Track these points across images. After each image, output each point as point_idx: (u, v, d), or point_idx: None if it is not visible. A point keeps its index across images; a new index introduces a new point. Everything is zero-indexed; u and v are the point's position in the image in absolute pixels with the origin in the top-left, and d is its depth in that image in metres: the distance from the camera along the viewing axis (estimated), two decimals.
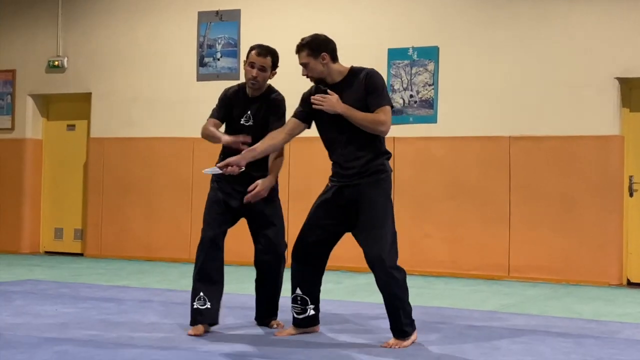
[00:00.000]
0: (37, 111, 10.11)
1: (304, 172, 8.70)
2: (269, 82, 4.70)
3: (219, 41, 9.08)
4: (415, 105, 8.25)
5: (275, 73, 4.70)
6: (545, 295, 6.71)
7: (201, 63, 9.12)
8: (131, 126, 9.34)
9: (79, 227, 9.88)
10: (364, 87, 4.16)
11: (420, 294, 6.60)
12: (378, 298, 6.23)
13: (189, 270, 7.97)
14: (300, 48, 4.30)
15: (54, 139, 10.11)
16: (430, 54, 8.22)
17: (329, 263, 8.75)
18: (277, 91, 4.77)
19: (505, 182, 7.95)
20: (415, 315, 5.24)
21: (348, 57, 8.52)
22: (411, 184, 8.28)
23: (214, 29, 9.10)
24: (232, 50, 9.02)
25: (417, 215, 8.24)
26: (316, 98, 4.18)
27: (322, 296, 6.27)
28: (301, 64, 4.31)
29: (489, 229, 7.97)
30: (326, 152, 8.96)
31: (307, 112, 4.33)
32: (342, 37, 8.63)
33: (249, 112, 4.63)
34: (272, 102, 4.66)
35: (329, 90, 4.21)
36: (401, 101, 8.29)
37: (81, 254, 9.77)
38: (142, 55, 9.42)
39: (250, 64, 4.58)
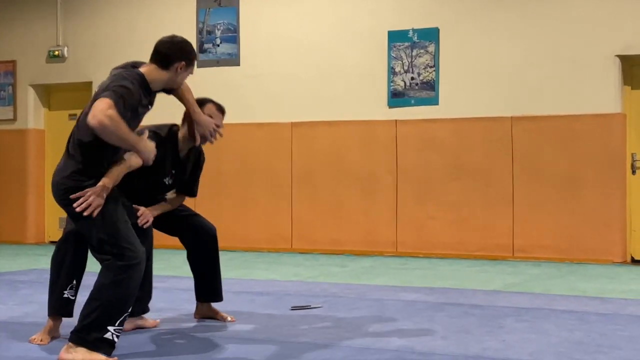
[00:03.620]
0: (39, 101, 10.11)
1: (305, 157, 8.71)
2: None
3: (218, 27, 9.05)
4: (417, 87, 8.23)
5: None
6: (550, 274, 6.72)
7: (201, 49, 9.10)
8: None
9: None
10: None
11: (425, 276, 6.62)
12: (383, 280, 6.28)
13: None
14: None
15: (56, 129, 10.11)
16: (431, 35, 8.19)
17: (334, 247, 8.81)
18: None
19: (508, 163, 7.94)
20: (420, 296, 5.29)
21: (348, 40, 8.56)
22: (414, 166, 8.28)
23: (213, 15, 9.07)
24: (232, 36, 9.00)
25: (420, 197, 8.25)
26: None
27: (327, 279, 6.33)
28: None
29: (493, 210, 7.98)
30: (328, 137, 8.99)
31: None
32: (342, 20, 8.65)
33: None
34: None
35: None
36: (402, 84, 8.28)
37: None
38: (142, 42, 9.33)
39: None
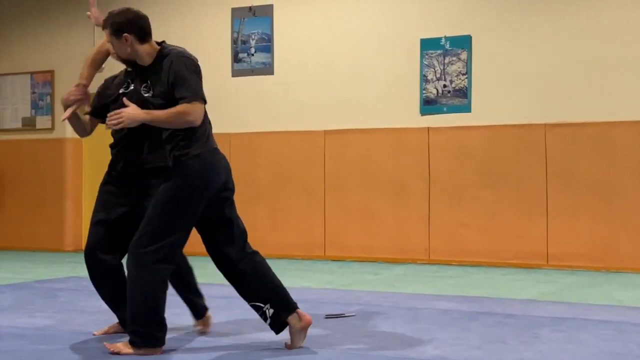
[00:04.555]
0: (77, 111, 10.26)
1: (338, 165, 8.74)
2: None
3: (253, 37, 9.14)
4: (449, 95, 8.23)
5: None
6: (585, 283, 6.67)
7: (236, 59, 9.20)
8: None
9: None
10: (168, 77, 3.70)
11: (459, 284, 6.61)
12: (416, 288, 6.28)
13: None
14: (104, 25, 3.86)
15: (94, 138, 10.02)
16: (463, 42, 8.19)
17: (366, 254, 8.81)
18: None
19: (541, 170, 7.90)
20: (454, 305, 5.28)
21: (380, 48, 8.59)
22: (446, 173, 8.27)
23: (247, 25, 9.16)
24: (266, 45, 9.08)
25: (453, 204, 8.24)
26: (111, 117, 3.68)
27: (361, 287, 6.35)
28: (107, 42, 3.91)
29: (526, 217, 7.93)
30: (361, 145, 8.99)
31: (101, 106, 4.12)
32: (374, 29, 8.69)
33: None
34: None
35: (124, 100, 3.74)
36: (434, 91, 8.28)
37: None
38: None
39: None
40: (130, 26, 3.79)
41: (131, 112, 3.66)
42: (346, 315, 4.84)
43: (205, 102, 3.78)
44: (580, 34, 7.82)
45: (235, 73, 9.19)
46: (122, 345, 3.77)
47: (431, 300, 5.52)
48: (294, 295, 5.78)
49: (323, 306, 5.23)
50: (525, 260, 7.90)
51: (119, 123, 3.66)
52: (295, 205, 8.90)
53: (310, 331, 4.37)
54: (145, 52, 3.81)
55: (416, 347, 3.91)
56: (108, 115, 3.72)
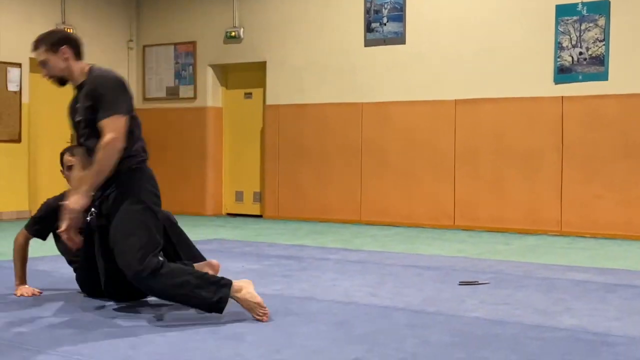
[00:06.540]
0: (217, 80, 10.72)
1: (469, 134, 8.75)
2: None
3: (385, 6, 9.23)
4: (585, 62, 8.05)
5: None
6: None
7: (368, 29, 9.33)
8: (303, 93, 9.74)
9: (258, 190, 10.43)
10: (90, 99, 3.73)
11: (593, 256, 6.55)
12: (549, 259, 6.28)
13: (361, 230, 8.35)
14: (36, 44, 3.84)
15: (233, 107, 10.71)
16: (601, 8, 7.97)
17: (496, 224, 8.79)
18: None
19: None
20: (589, 276, 5.26)
21: (514, 16, 8.48)
22: (581, 144, 8.13)
23: None
24: (398, 14, 9.14)
25: (587, 176, 8.10)
26: (62, 232, 3.75)
27: (493, 256, 6.41)
28: (40, 62, 3.87)
29: None
30: (492, 114, 8.95)
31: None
32: None
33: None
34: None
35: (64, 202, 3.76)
36: (570, 59, 8.12)
37: (260, 216, 10.32)
38: (312, 23, 9.76)
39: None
40: (67, 41, 3.86)
41: (70, 205, 3.71)
42: (480, 282, 4.95)
43: (128, 113, 3.77)
44: None
45: (368, 43, 9.32)
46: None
47: (565, 271, 5.52)
48: (426, 262, 5.95)
49: (455, 274, 5.35)
50: None
51: (67, 229, 3.74)
52: (425, 175, 9.00)
53: (445, 296, 4.52)
54: (79, 70, 3.87)
55: (553, 317, 3.97)
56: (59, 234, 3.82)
